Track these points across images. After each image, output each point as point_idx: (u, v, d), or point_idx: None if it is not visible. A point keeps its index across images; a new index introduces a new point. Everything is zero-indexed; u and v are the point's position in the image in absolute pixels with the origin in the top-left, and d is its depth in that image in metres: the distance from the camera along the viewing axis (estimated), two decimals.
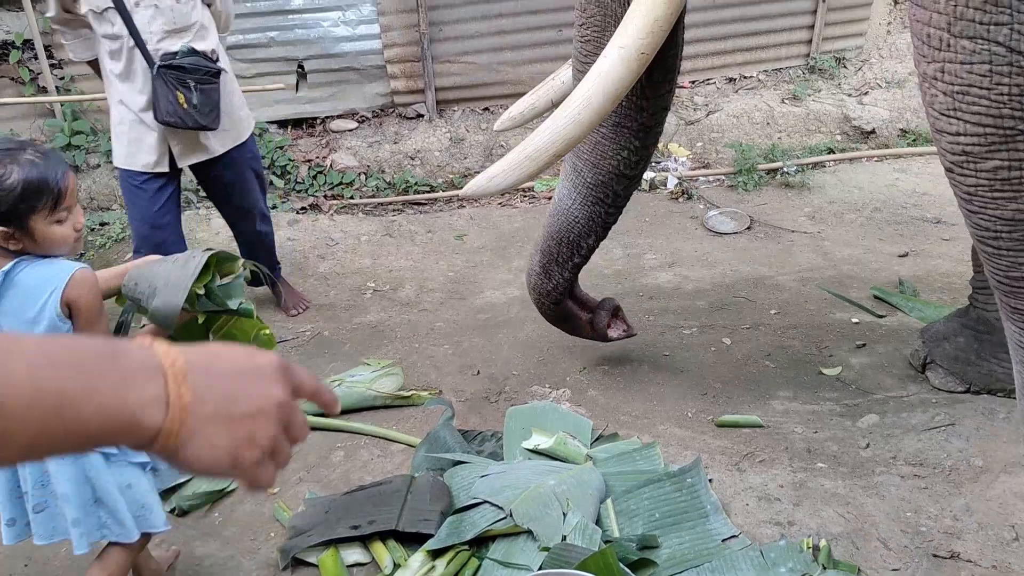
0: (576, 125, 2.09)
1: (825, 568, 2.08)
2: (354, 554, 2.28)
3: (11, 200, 1.70)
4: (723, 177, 5.02)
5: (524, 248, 4.43)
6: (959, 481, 2.48)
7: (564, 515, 2.23)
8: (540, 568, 2.00)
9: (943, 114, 1.43)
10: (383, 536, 2.30)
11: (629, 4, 2.12)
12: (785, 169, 4.90)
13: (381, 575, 2.21)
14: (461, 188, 5.22)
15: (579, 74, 2.38)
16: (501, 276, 4.15)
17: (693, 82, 5.66)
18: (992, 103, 1.31)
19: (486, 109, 5.69)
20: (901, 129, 5.28)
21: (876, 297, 3.60)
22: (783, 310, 3.59)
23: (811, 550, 2.19)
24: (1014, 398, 2.78)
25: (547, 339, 3.47)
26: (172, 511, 2.54)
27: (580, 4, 2.31)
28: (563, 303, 2.95)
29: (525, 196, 5.18)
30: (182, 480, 2.57)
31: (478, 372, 3.29)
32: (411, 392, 3.12)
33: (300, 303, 3.89)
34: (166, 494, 2.54)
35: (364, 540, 2.31)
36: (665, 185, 4.96)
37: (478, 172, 5.43)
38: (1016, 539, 2.22)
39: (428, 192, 5.22)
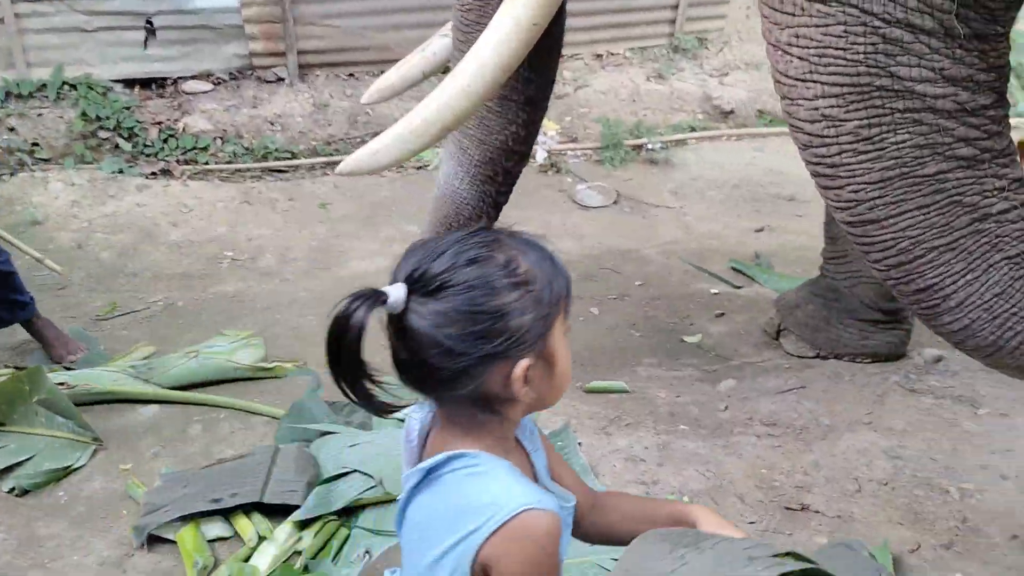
0: (467, 97, 1.99)
1: None
2: (215, 528, 2.18)
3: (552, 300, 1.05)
4: (591, 152, 5.10)
5: (392, 218, 4.36)
6: (809, 439, 2.61)
7: None
8: None
9: (799, 80, 1.44)
10: (246, 509, 2.21)
11: None
12: (650, 146, 5.02)
13: (245, 548, 2.12)
14: (325, 155, 5.11)
15: (461, 44, 2.31)
16: (369, 246, 4.07)
17: (561, 57, 5.70)
18: (848, 63, 1.35)
19: (351, 75, 5.55)
20: (759, 110, 5.51)
21: (734, 269, 3.75)
22: (648, 281, 3.68)
23: None
24: (859, 362, 2.97)
25: None
26: (11, 491, 2.35)
27: None
28: None
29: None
30: (22, 458, 2.39)
31: None
32: (274, 364, 3.00)
33: (75, 348, 3.09)
34: (3, 473, 2.35)
35: (226, 514, 2.20)
36: (535, 158, 4.99)
37: (343, 140, 5.30)
38: (859, 491, 2.37)
39: (290, 159, 5.04)
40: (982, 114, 1.37)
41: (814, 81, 1.41)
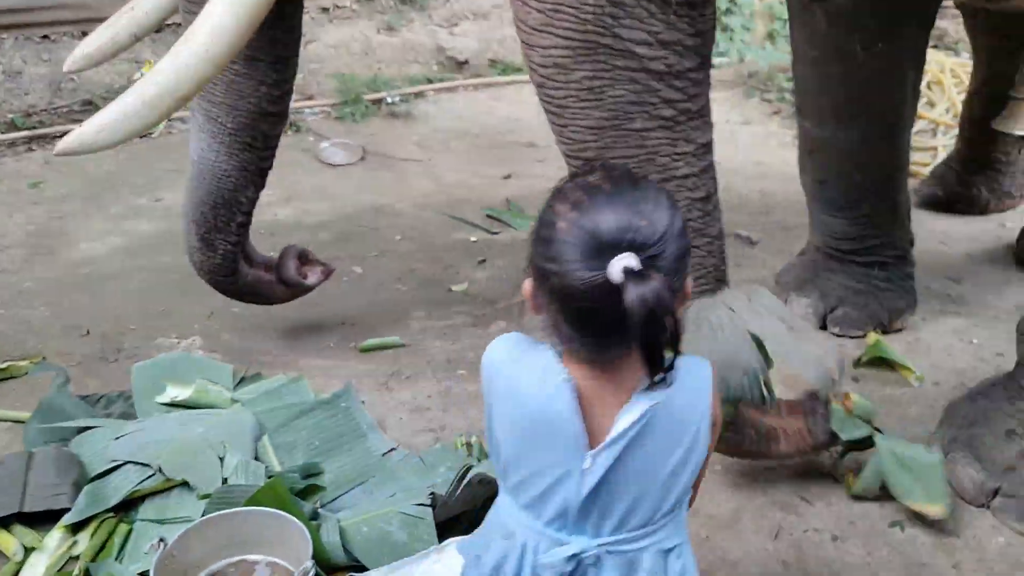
0: (207, 62, 1.85)
1: (479, 460, 2.22)
2: None
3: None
4: (329, 108, 4.98)
5: (122, 193, 4.01)
6: None
7: (221, 459, 2.10)
8: (204, 515, 1.87)
9: (536, 29, 1.55)
10: (5, 523, 1.98)
11: None
12: (389, 99, 5.00)
13: (11, 564, 1.91)
14: (26, 129, 4.56)
15: (190, 3, 2.15)
16: (98, 226, 3.72)
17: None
18: (579, 20, 1.47)
19: (45, 37, 4.98)
20: (490, 59, 5.65)
21: (489, 216, 3.86)
22: (406, 235, 3.70)
23: (465, 447, 2.33)
24: None
25: (166, 287, 3.21)
26: None
27: None
28: (242, 273, 2.65)
29: None
30: None
31: (87, 332, 2.94)
32: (6, 363, 2.69)
33: None
34: None
35: None
36: None
37: (46, 111, 4.76)
38: None
39: None
40: (686, 77, 1.57)
41: (549, 32, 1.54)
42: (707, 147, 1.70)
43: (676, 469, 1.16)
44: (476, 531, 1.38)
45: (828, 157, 2.80)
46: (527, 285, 1.15)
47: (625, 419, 1.11)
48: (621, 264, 1.01)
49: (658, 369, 1.07)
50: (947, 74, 4.88)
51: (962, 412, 2.41)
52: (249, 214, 2.59)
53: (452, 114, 5.08)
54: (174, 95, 1.89)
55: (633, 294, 0.99)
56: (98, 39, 2.39)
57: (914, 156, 4.20)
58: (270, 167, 2.55)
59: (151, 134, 4.66)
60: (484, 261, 3.49)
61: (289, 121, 4.71)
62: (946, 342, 3.01)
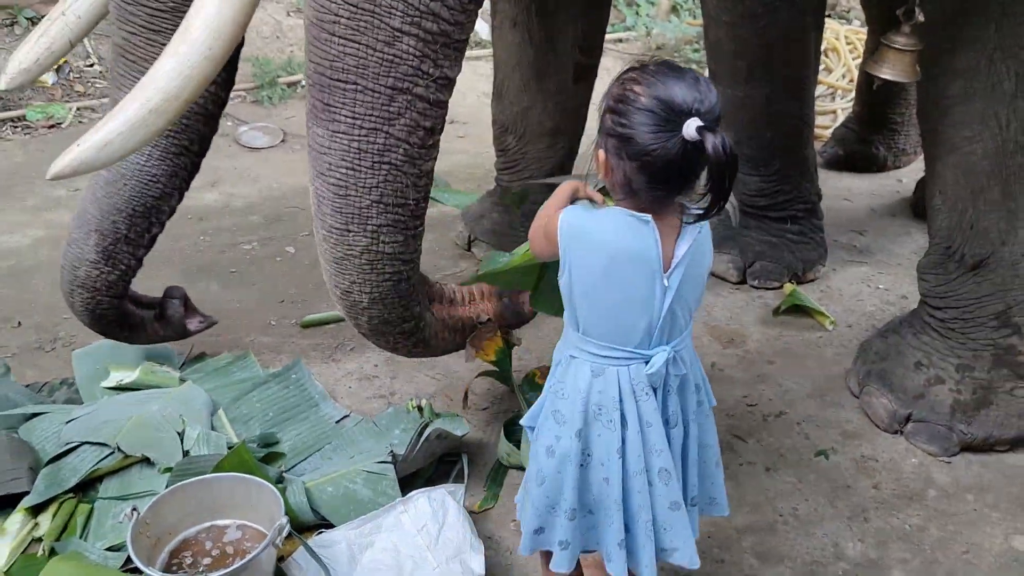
0: (208, 60, 1.76)
1: (431, 420, 2.30)
2: None
3: None
4: (245, 93, 4.93)
5: (35, 184, 3.90)
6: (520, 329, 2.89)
7: (180, 434, 2.13)
8: (167, 487, 1.90)
9: None
10: None
11: None
12: (305, 82, 4.97)
13: None
14: None
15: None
16: (15, 218, 3.63)
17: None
18: None
19: None
20: None
21: None
22: None
23: (416, 410, 2.41)
24: None
25: None
26: None
27: None
28: (122, 300, 2.36)
29: (17, 127, 4.52)
30: None
31: (19, 324, 2.89)
32: None
33: None
34: None
35: None
36: None
37: None
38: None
39: None
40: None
41: None
42: (447, 84, 1.70)
43: (703, 279, 1.53)
44: (535, 406, 1.64)
45: (741, 117, 2.97)
46: (600, 154, 1.41)
47: (683, 246, 1.43)
48: (695, 124, 1.28)
49: (722, 201, 1.36)
50: (842, 40, 5.15)
51: (874, 349, 2.61)
52: (163, 226, 2.32)
53: None
54: (180, 98, 1.79)
55: (711, 142, 1.27)
56: (34, 51, 2.20)
57: (816, 119, 4.46)
58: (197, 171, 2.32)
59: (60, 123, 4.55)
60: None
61: None
62: (855, 288, 3.23)
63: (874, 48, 3.93)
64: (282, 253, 3.40)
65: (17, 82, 2.24)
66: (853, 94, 4.40)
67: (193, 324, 2.55)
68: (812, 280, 3.25)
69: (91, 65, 5.01)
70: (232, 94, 5.02)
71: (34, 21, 4.96)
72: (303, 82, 4.98)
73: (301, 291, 3.13)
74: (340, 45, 1.56)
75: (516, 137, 3.21)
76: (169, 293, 2.53)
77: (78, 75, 4.94)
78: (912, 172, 4.15)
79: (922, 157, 4.26)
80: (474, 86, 4.87)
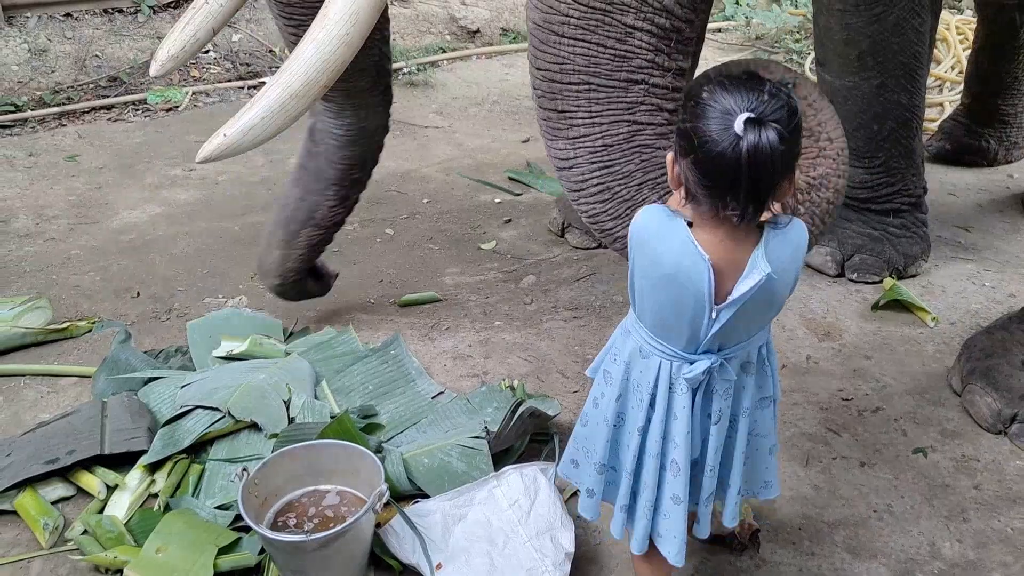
0: (347, 47, 1.84)
1: (523, 399, 2.35)
2: (56, 490, 2.08)
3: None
4: None
5: (153, 164, 4.12)
6: (607, 316, 2.92)
7: (286, 402, 2.24)
8: (274, 451, 2.00)
9: None
10: (86, 465, 2.12)
11: None
12: (406, 69, 5.09)
13: (96, 502, 2.05)
14: (56, 105, 4.66)
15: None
16: (135, 195, 3.84)
17: None
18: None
19: (68, 15, 5.07)
20: (502, 28, 5.73)
21: (511, 179, 3.97)
22: (434, 198, 3.81)
23: (509, 389, 2.46)
24: None
25: (208, 251, 3.34)
26: None
27: None
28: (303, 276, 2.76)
29: (138, 110, 4.77)
30: None
31: (138, 294, 3.07)
32: (66, 323, 2.82)
33: None
34: None
35: (64, 474, 2.11)
36: None
37: (73, 87, 4.86)
38: None
39: (14, 112, 4.56)
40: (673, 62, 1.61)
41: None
42: (682, 74, 1.68)
43: (778, 304, 1.49)
44: (598, 358, 1.67)
45: (848, 107, 2.91)
46: (670, 157, 1.41)
47: (744, 285, 1.38)
48: (743, 116, 1.26)
49: (760, 209, 1.33)
50: (952, 31, 4.96)
51: (979, 346, 2.54)
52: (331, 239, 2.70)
53: (468, 82, 5.17)
54: (319, 83, 1.87)
55: (751, 137, 1.25)
56: (180, 40, 2.33)
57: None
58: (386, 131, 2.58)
59: (177, 106, 4.78)
60: (509, 221, 3.61)
61: None
62: (960, 285, 3.13)
63: (985, 37, 3.83)
64: (382, 235, 3.50)
65: (167, 68, 2.38)
66: (961, 86, 4.24)
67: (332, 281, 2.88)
68: (914, 276, 3.16)
69: (207, 52, 5.22)
70: None
71: (155, 9, 5.22)
72: (404, 69, 5.10)
73: (399, 271, 3.23)
74: (570, 46, 1.56)
75: None
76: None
77: (194, 61, 5.16)
78: (1023, 168, 3.99)
79: None
80: None
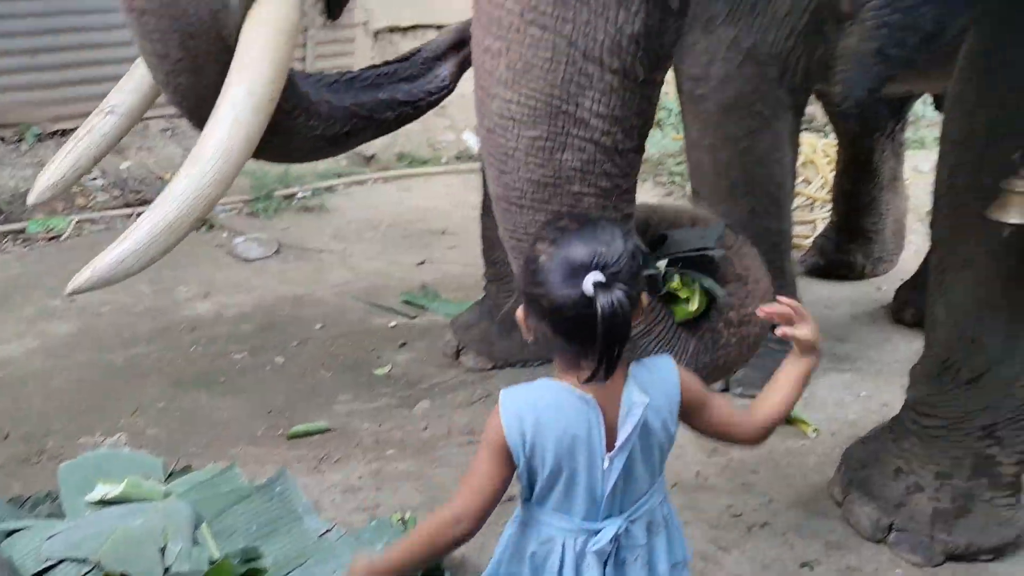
0: (219, 183, 1.93)
1: None
2: None
3: None
4: (241, 204, 5.06)
5: (31, 295, 3.97)
6: None
7: (162, 550, 2.13)
8: None
9: (501, 82, 1.56)
10: None
11: (225, 42, 2.03)
12: (301, 194, 5.13)
13: None
14: None
15: (190, 113, 2.20)
16: (10, 328, 3.68)
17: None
18: (547, 83, 1.51)
19: None
20: (398, 153, 5.87)
21: (406, 302, 4.00)
22: (327, 323, 3.79)
23: (400, 523, 2.41)
24: (530, 365, 3.36)
25: (88, 386, 3.21)
26: None
27: (154, 49, 2.05)
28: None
29: (17, 240, 4.62)
30: None
31: (7, 436, 2.91)
32: None
33: None
34: None
35: None
36: None
37: None
38: None
39: None
40: (626, 155, 1.63)
41: (514, 88, 1.54)
42: (629, 218, 1.79)
43: (663, 446, 1.50)
44: (492, 562, 1.61)
45: None
46: (520, 313, 1.43)
47: (628, 425, 1.40)
48: (592, 279, 1.29)
49: (613, 366, 1.34)
50: (819, 154, 5.35)
51: (856, 456, 2.64)
52: None
53: (364, 206, 5.24)
54: (193, 216, 1.93)
55: (601, 301, 1.28)
56: (61, 168, 2.39)
57: (796, 230, 4.58)
58: None
59: (59, 235, 4.66)
60: (404, 344, 3.61)
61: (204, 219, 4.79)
62: (837, 396, 3.27)
63: (847, 160, 4.14)
64: (272, 363, 3.44)
65: (45, 197, 2.43)
66: (831, 204, 4.54)
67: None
68: None
69: (94, 179, 5.15)
70: (227, 205, 5.17)
71: (40, 138, 5.15)
72: (299, 194, 5.14)
73: (289, 401, 3.17)
74: (530, 214, 1.61)
75: (503, 250, 3.30)
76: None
77: (80, 188, 5.07)
78: (890, 280, 4.25)
79: (898, 265, 4.40)
80: (464, 199, 5.01)
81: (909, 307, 3.84)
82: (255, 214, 4.98)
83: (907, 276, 4.11)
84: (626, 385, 1.42)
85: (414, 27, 6.32)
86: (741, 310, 1.82)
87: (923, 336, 2.58)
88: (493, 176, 1.69)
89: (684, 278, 1.76)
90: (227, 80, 1.99)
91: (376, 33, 6.23)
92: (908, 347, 3.64)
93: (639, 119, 1.61)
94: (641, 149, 1.69)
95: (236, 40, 2.03)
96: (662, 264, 1.75)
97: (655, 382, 1.45)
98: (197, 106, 2.11)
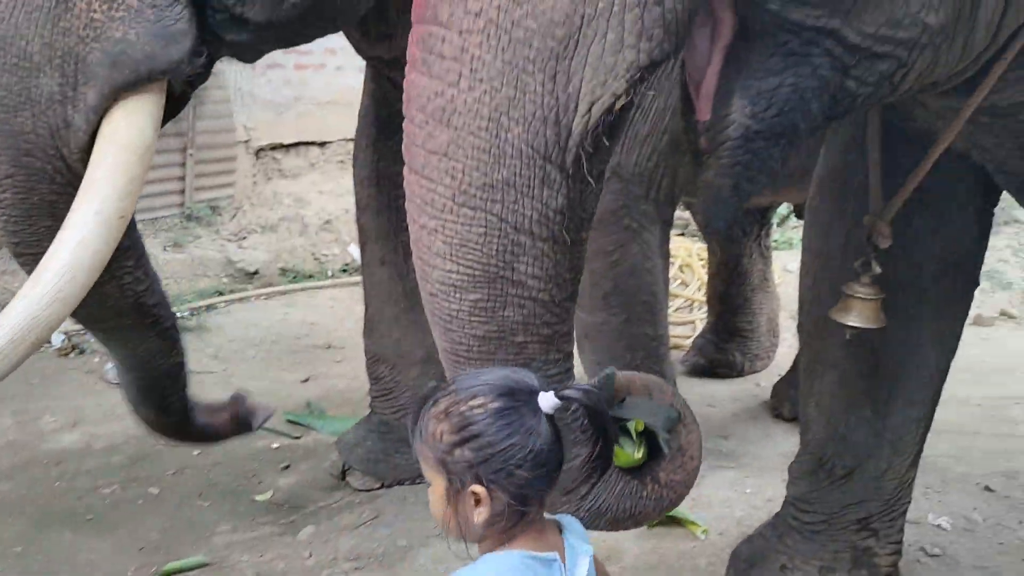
0: (61, 305, 1.83)
1: None
2: None
3: None
4: None
5: None
6: (390, 563, 2.82)
7: None
8: None
9: (439, 255, 1.58)
10: None
11: (64, 161, 1.96)
12: (179, 314, 4.97)
13: None
14: None
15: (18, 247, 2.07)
16: None
17: None
18: (483, 254, 1.53)
19: None
20: (281, 268, 5.81)
21: (290, 421, 3.88)
22: (205, 449, 3.61)
23: None
24: (419, 483, 3.28)
25: None
26: None
27: None
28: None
29: None
30: None
31: None
32: None
33: None
34: None
35: None
36: (51, 342, 4.61)
37: None
38: None
39: None
40: (562, 305, 1.66)
41: (451, 260, 1.56)
42: (570, 356, 1.84)
43: None
44: None
45: (601, 341, 3.15)
46: (471, 500, 1.26)
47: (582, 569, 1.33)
48: (549, 396, 1.27)
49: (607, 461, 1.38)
50: (695, 257, 5.59)
51: (743, 556, 2.67)
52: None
53: (246, 323, 5.12)
54: (28, 340, 1.82)
55: (577, 393, 1.29)
56: None
57: (676, 330, 4.74)
58: None
59: None
60: (288, 466, 3.49)
61: (73, 343, 4.59)
62: (724, 494, 3.32)
63: (718, 264, 4.35)
64: (145, 495, 3.26)
65: None
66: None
67: (258, 420, 2.87)
68: None
69: None
70: None
71: None
72: (178, 314, 4.97)
73: (164, 535, 2.99)
74: (478, 366, 1.59)
75: (389, 367, 3.30)
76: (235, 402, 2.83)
77: None
78: (768, 376, 4.41)
79: (775, 360, 4.60)
80: (351, 311, 4.98)
81: (786, 402, 4.00)
82: None
83: (783, 371, 4.29)
84: (564, 536, 1.36)
85: (296, 144, 6.39)
86: (671, 475, 1.86)
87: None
88: (439, 333, 1.68)
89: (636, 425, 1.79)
90: (76, 199, 1.92)
91: (258, 151, 6.25)
92: (788, 441, 3.76)
93: (571, 273, 1.67)
94: (575, 296, 1.74)
95: (80, 159, 1.97)
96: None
97: (575, 526, 1.40)
98: (21, 227, 2.02)
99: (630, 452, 1.75)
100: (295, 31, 2.35)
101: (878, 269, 2.14)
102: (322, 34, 2.49)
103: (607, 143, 1.43)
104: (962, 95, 1.76)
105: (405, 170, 1.57)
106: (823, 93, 1.51)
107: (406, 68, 1.47)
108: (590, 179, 1.51)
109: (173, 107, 2.14)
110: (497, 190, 1.49)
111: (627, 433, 1.71)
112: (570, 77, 1.35)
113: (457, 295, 1.61)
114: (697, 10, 1.36)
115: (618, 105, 1.36)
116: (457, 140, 1.43)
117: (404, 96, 1.47)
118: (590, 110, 1.36)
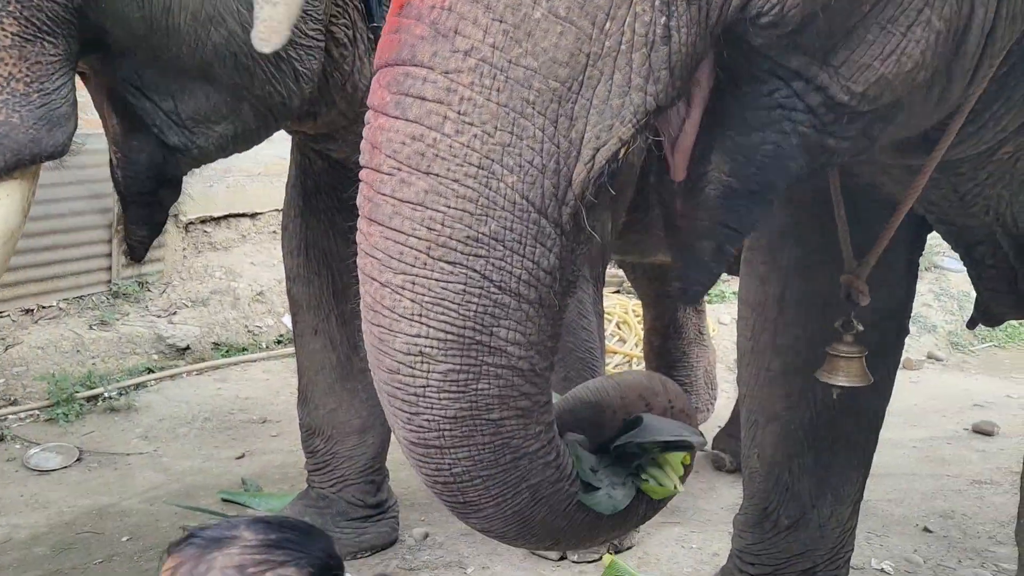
0: None
1: None
2: None
3: None
4: (38, 412, 4.68)
5: None
6: None
7: None
8: None
9: (405, 318, 1.44)
10: None
11: None
12: (107, 394, 4.81)
13: None
14: None
15: None
16: None
17: None
18: (459, 315, 1.40)
19: None
20: (214, 343, 5.67)
21: (225, 500, 3.75)
22: (135, 535, 3.47)
23: None
24: (360, 557, 3.20)
25: None
26: None
27: None
28: None
29: None
30: None
31: None
32: None
33: None
34: None
35: None
36: None
37: None
38: None
39: None
40: (542, 375, 1.53)
41: (421, 322, 1.43)
42: (551, 425, 1.74)
43: None
44: None
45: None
46: None
47: None
48: None
49: None
50: (631, 314, 5.66)
51: None
52: None
53: (178, 400, 4.97)
54: None
55: None
56: None
57: None
58: None
59: None
60: None
61: None
62: (671, 551, 3.31)
63: (652, 319, 4.40)
64: None
65: None
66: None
67: None
68: (629, 547, 3.30)
69: None
70: (22, 414, 4.78)
71: None
72: (104, 394, 4.82)
73: None
74: (452, 453, 1.50)
75: (324, 439, 3.23)
76: None
77: None
78: (708, 428, 4.42)
79: (715, 412, 4.64)
80: (287, 383, 4.88)
81: (727, 454, 4.02)
82: (54, 420, 4.60)
83: (722, 424, 4.32)
84: None
85: (226, 216, 6.31)
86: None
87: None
88: (401, 423, 1.53)
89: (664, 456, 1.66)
90: None
91: (187, 225, 6.15)
92: (731, 493, 3.79)
93: (552, 341, 1.55)
94: (553, 366, 1.62)
95: None
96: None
97: None
98: None
99: (667, 485, 1.64)
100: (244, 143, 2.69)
101: (860, 327, 2.07)
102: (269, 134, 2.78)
103: (609, 193, 1.32)
104: (917, 150, 1.69)
105: (362, 223, 1.41)
106: (804, 151, 1.43)
107: (368, 115, 1.34)
108: (584, 235, 1.40)
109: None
110: (482, 245, 1.35)
111: (656, 464, 1.64)
112: (573, 121, 1.23)
113: (424, 366, 1.47)
114: (703, 56, 1.27)
115: (623, 152, 1.26)
116: (437, 188, 1.29)
117: (365, 144, 1.34)
118: (594, 157, 1.25)
